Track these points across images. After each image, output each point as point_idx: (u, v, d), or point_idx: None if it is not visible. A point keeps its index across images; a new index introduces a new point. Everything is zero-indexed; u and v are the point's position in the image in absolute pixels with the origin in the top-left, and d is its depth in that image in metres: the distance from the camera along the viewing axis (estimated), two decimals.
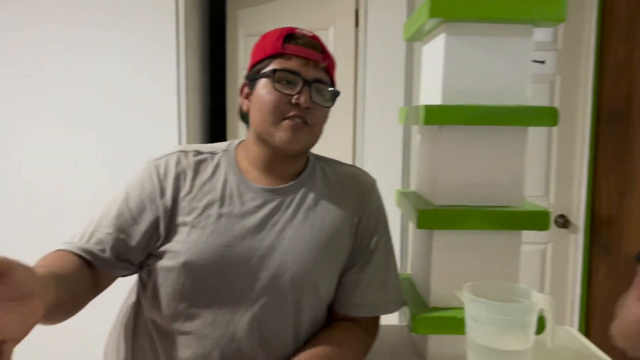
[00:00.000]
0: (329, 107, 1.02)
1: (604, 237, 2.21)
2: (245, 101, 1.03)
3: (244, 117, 1.06)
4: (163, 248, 0.96)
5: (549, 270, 2.37)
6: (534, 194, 2.33)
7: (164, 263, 0.96)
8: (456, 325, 1.05)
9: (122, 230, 0.95)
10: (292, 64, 0.96)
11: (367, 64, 2.24)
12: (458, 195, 1.09)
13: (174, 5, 2.24)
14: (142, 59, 2.25)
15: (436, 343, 1.12)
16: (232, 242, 0.96)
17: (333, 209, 1.03)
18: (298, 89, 0.96)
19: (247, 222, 0.97)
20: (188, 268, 0.94)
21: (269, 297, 0.96)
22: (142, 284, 1.02)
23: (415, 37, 1.24)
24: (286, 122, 0.96)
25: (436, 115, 1.04)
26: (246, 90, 1.03)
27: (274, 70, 0.96)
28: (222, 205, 0.98)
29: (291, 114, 0.96)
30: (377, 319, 1.10)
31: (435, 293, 1.11)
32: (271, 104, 0.96)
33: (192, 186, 0.99)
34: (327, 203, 1.03)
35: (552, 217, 2.34)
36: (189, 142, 2.36)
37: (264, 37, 1.02)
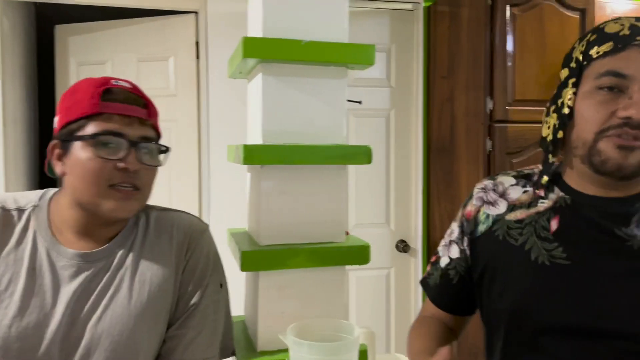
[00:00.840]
0: (158, 166, 0.94)
1: None
2: (59, 163, 0.91)
3: (53, 172, 0.94)
4: None
5: (394, 293, 2.48)
6: (376, 221, 2.45)
7: None
8: None
9: None
10: (114, 125, 0.86)
11: (209, 96, 2.20)
12: (282, 234, 1.08)
13: None
14: None
15: None
16: (41, 322, 0.85)
17: (154, 267, 0.94)
18: (123, 152, 0.87)
19: (59, 296, 0.87)
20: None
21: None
22: None
23: (239, 75, 1.23)
24: (114, 192, 0.87)
25: (255, 155, 1.03)
26: (57, 151, 0.90)
27: (94, 135, 0.85)
28: (29, 278, 0.87)
29: (118, 181, 0.87)
30: None
31: (262, 336, 1.08)
32: (95, 173, 0.86)
33: None
34: (148, 261, 0.94)
35: (393, 243, 2.47)
36: (8, 185, 2.11)
37: (76, 91, 0.90)
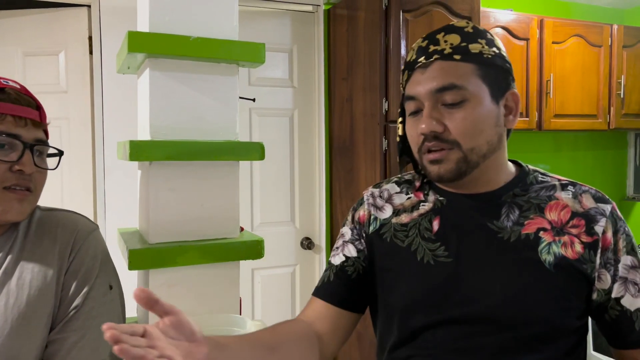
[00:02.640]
0: (51, 169, 0.94)
1: None
2: None
3: None
4: None
5: (299, 289, 2.52)
6: (282, 219, 2.47)
7: None
8: None
9: None
10: (8, 126, 0.85)
11: (104, 93, 2.12)
12: (172, 231, 1.07)
13: None
14: None
15: None
16: None
17: (35, 270, 0.89)
18: (18, 154, 0.85)
19: None
20: None
21: None
22: None
23: (127, 70, 1.20)
24: (9, 194, 0.85)
25: (142, 151, 1.01)
26: None
27: None
28: None
29: (13, 183, 0.85)
30: None
31: None
32: None
33: None
34: (28, 263, 0.89)
35: (298, 240, 2.51)
36: None
37: None
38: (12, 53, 2.18)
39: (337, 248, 0.99)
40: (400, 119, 0.92)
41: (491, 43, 0.84)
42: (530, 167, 0.92)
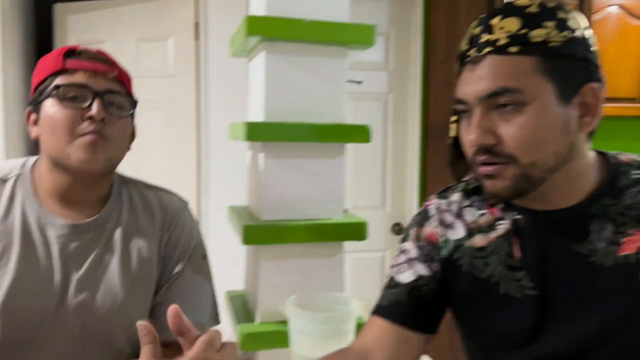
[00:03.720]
0: (127, 117, 0.95)
1: None
2: (34, 128, 0.93)
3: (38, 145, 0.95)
4: None
5: None
6: (372, 204, 2.48)
7: None
8: (282, 339, 1.06)
9: None
10: (78, 77, 0.89)
11: (209, 77, 2.21)
12: (282, 210, 1.11)
13: None
14: None
15: (266, 358, 1.12)
16: (39, 290, 0.88)
17: (140, 241, 0.97)
18: (88, 102, 0.88)
19: (53, 265, 0.90)
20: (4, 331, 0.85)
21: (85, 341, 0.90)
22: None
23: (240, 54, 1.25)
24: (81, 139, 0.88)
25: (258, 132, 1.05)
26: (33, 116, 0.93)
27: (57, 86, 0.88)
28: (22, 247, 0.88)
29: (86, 130, 0.88)
30: None
31: (263, 308, 1.11)
32: (62, 123, 0.87)
33: None
34: (135, 235, 0.97)
35: (388, 226, 2.50)
36: (9, 158, 2.12)
37: (43, 59, 0.94)
38: (127, 39, 2.33)
39: (401, 265, 0.86)
40: (454, 118, 0.77)
41: (563, 25, 0.67)
42: (622, 157, 0.76)
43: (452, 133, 0.80)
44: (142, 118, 2.35)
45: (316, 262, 1.13)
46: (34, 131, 0.93)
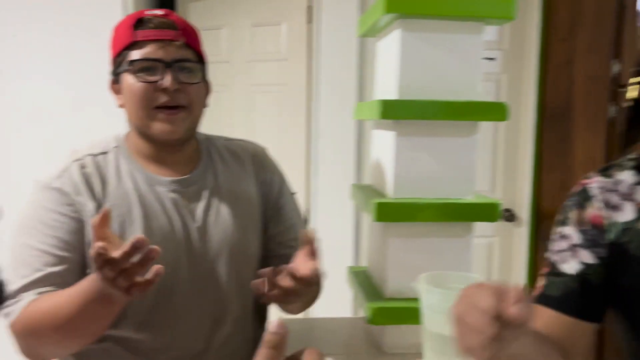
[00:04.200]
0: (198, 82, 0.99)
1: (547, 231, 2.31)
2: (119, 97, 1.01)
3: None
4: None
5: (496, 263, 2.45)
6: (480, 188, 2.40)
7: None
8: (412, 315, 1.07)
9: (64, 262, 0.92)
10: (148, 51, 0.94)
11: (320, 60, 2.25)
12: (412, 188, 1.11)
13: (120, 4, 2.17)
14: (86, 53, 2.17)
15: (392, 334, 1.14)
16: (164, 243, 0.94)
17: (239, 186, 1.07)
18: (160, 73, 0.94)
19: (172, 219, 0.98)
20: None
21: (204, 286, 0.99)
22: None
23: (370, 33, 1.25)
24: (158, 113, 0.95)
25: (392, 110, 1.06)
26: (115, 86, 1.01)
27: (131, 62, 0.95)
28: (141, 207, 0.97)
29: (162, 101, 0.95)
30: None
31: (391, 284, 1.13)
32: (139, 95, 0.95)
33: (105, 194, 0.96)
34: (233, 182, 1.06)
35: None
36: None
37: (116, 29, 0.99)
38: (242, 24, 2.42)
39: (564, 252, 0.83)
40: (635, 79, 0.74)
41: None
42: None
43: (632, 94, 0.75)
44: (255, 101, 2.46)
45: (445, 242, 1.13)
46: (119, 99, 1.01)
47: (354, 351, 1.17)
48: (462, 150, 1.12)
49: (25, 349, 0.91)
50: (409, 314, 1.08)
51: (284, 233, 1.11)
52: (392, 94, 1.12)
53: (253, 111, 2.46)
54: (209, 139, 1.12)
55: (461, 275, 1.05)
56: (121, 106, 1.01)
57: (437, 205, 1.09)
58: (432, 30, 1.08)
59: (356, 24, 2.22)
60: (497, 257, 2.45)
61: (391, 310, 1.08)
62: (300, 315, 1.13)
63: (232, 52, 2.45)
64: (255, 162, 1.12)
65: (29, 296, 0.89)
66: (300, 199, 1.27)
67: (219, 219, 1.02)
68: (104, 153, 1.01)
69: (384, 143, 1.18)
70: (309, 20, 2.28)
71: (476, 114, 1.08)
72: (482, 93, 1.11)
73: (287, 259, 0.98)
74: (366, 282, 1.24)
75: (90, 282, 0.81)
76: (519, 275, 2.43)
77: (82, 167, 0.97)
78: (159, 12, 0.98)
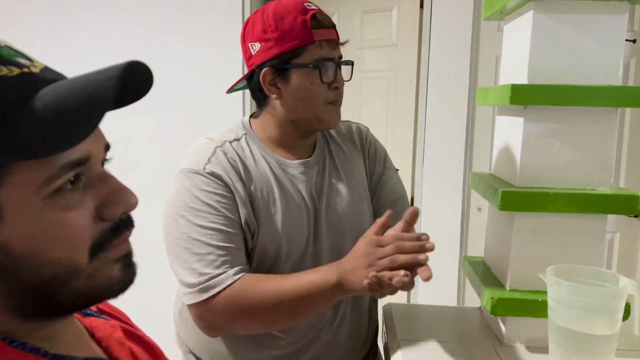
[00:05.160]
0: (347, 80, 1.08)
1: None
2: (273, 89, 1.02)
3: (260, 99, 1.07)
4: (258, 243, 1.03)
5: (616, 260, 2.29)
6: None
7: (261, 254, 1.03)
8: (536, 308, 1.04)
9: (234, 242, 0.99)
10: (326, 51, 1.00)
11: (431, 46, 2.21)
12: (541, 177, 1.07)
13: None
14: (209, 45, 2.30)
15: (513, 325, 1.11)
16: (301, 217, 1.04)
17: (351, 163, 1.14)
18: (333, 73, 1.01)
19: (303, 196, 1.05)
20: (284, 253, 1.04)
21: (340, 255, 1.02)
22: None
23: (496, 16, 1.21)
24: (331, 107, 1.04)
25: (523, 95, 1.02)
26: (272, 77, 1.01)
27: (318, 64, 0.99)
28: (278, 187, 1.04)
29: (334, 98, 1.03)
30: None
31: (513, 275, 1.10)
32: (318, 95, 1.01)
33: (248, 176, 1.03)
34: (345, 158, 1.14)
35: None
36: None
37: (281, 19, 0.97)
38: (352, 11, 2.44)
39: None
40: None
41: None
42: None
43: None
44: (364, 88, 2.47)
45: (574, 236, 1.07)
46: (272, 92, 1.03)
47: (471, 341, 1.15)
48: (600, 138, 1.05)
49: (220, 324, 0.97)
50: (532, 306, 1.05)
51: (389, 206, 1.14)
52: (521, 79, 1.08)
53: (360, 98, 2.47)
54: None
55: (592, 270, 1.00)
56: (275, 98, 1.04)
57: (569, 195, 1.03)
58: (569, 11, 1.02)
59: (469, 8, 2.16)
60: (619, 253, 2.29)
61: (514, 302, 1.05)
62: (405, 301, 1.14)
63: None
64: (362, 139, 1.19)
65: (228, 275, 0.94)
66: (407, 187, 1.29)
67: (340, 196, 1.09)
68: (237, 140, 1.07)
69: (510, 130, 1.15)
70: (421, 4, 2.25)
71: (616, 100, 1.01)
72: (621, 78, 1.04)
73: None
74: (485, 272, 1.21)
75: (327, 272, 0.92)
76: None
77: (225, 152, 1.02)
78: (315, 6, 1.02)
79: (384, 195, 1.16)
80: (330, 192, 1.09)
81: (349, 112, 2.47)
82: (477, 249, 2.28)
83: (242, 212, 0.99)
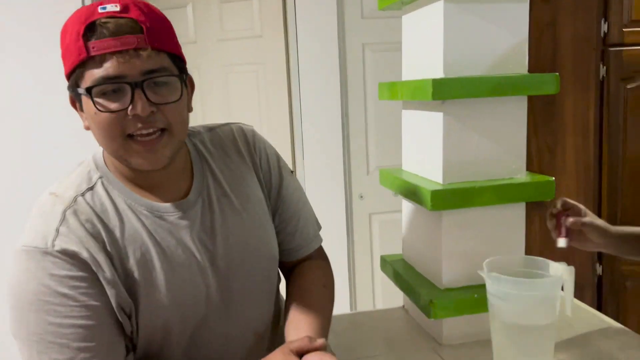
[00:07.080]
0: (178, 99, 0.79)
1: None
2: (82, 115, 0.81)
3: None
4: (140, 323, 0.82)
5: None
6: None
7: (146, 333, 0.83)
8: (475, 305, 1.02)
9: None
10: (108, 68, 0.73)
11: (298, 35, 2.12)
12: (464, 172, 1.05)
13: None
14: None
15: (450, 325, 1.08)
16: (190, 272, 0.85)
17: (240, 179, 0.94)
18: (128, 96, 0.74)
19: (189, 246, 0.85)
20: (177, 322, 0.85)
21: (250, 293, 0.92)
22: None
23: (394, 6, 1.15)
24: (134, 144, 0.77)
25: (444, 90, 0.97)
26: (76, 103, 0.81)
27: (89, 89, 0.74)
28: (155, 244, 0.82)
29: (135, 129, 0.76)
30: (320, 247, 1.08)
31: (447, 275, 1.07)
32: (106, 127, 0.75)
33: (113, 241, 0.80)
34: (233, 177, 0.93)
35: None
36: None
37: (64, 33, 0.76)
38: (209, 2, 2.24)
39: None
40: None
41: None
42: None
43: None
44: (232, 81, 2.31)
45: (499, 226, 1.07)
46: (83, 120, 0.81)
47: (408, 347, 1.11)
48: (513, 127, 1.06)
49: None
50: (471, 304, 1.03)
51: (293, 218, 1.01)
52: (434, 73, 1.03)
53: (227, 92, 2.31)
54: (191, 135, 0.95)
55: (523, 259, 1.00)
56: (87, 128, 0.81)
57: (495, 187, 1.03)
58: (478, 0, 1.00)
59: None
60: None
61: (453, 303, 1.02)
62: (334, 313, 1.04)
63: (199, 32, 2.27)
64: (246, 145, 0.97)
65: None
66: None
67: (238, 229, 0.90)
68: (91, 188, 0.82)
69: (423, 126, 1.10)
70: None
71: (526, 88, 1.02)
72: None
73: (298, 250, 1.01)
74: (410, 272, 1.17)
75: None
76: None
77: (77, 215, 0.78)
78: (114, 6, 0.74)
79: (286, 209, 1.00)
80: (226, 228, 0.89)
81: (215, 109, 2.29)
82: (362, 237, 2.29)
83: (111, 293, 0.77)
